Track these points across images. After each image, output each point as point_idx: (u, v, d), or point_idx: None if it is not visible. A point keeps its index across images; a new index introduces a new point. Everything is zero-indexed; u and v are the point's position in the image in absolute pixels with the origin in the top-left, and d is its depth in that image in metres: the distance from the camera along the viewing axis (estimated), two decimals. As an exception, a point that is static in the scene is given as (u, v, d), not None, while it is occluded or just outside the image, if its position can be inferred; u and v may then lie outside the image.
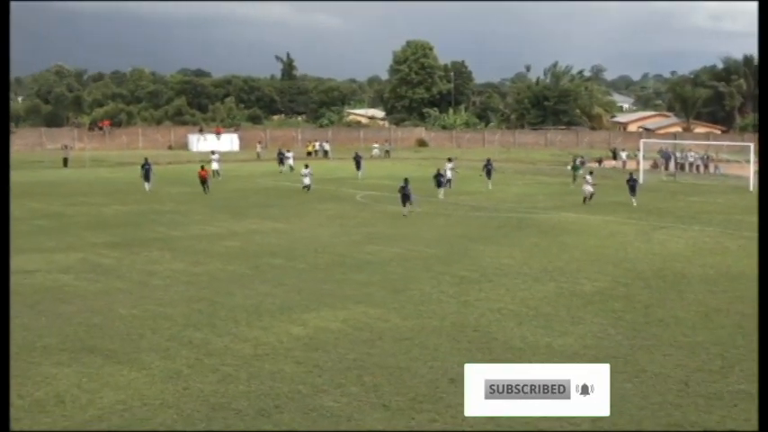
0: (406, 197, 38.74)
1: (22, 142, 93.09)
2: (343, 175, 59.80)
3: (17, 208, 42.31)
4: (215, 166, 59.18)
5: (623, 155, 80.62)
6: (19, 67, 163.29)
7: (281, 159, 70.80)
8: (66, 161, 74.61)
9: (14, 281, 24.40)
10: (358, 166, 62.92)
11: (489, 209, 43.82)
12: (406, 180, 39.04)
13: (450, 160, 56.70)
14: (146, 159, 54.33)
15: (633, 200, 44.83)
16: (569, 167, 61.68)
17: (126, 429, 13.65)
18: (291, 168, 67.58)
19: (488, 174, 56.00)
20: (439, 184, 48.69)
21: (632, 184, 45.84)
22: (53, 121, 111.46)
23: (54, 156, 78.59)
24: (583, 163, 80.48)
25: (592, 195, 45.04)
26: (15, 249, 29.90)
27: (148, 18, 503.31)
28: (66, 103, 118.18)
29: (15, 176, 60.57)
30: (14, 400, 14.88)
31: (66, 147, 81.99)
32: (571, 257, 29.08)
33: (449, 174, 53.57)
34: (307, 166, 52.80)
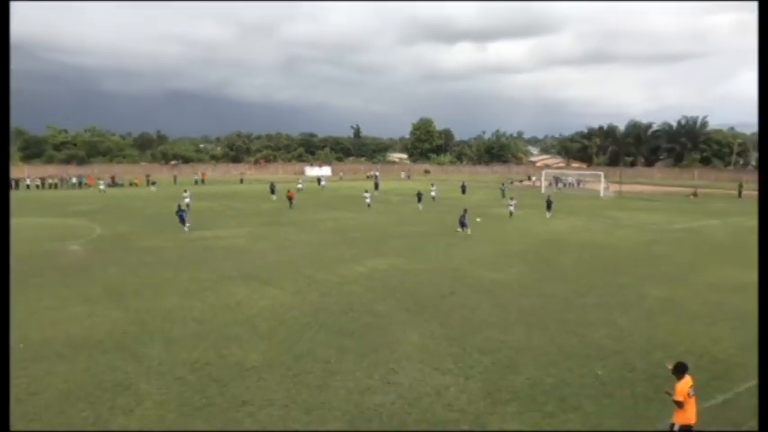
0: (462, 223, 28.11)
1: (219, 171, 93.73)
2: (386, 188, 58.94)
3: (217, 206, 42.68)
4: (299, 185, 55.60)
5: (533, 179, 79.44)
6: (215, 130, 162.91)
7: (272, 190, 47.57)
8: (241, 180, 75.04)
9: (212, 244, 24.64)
10: (376, 186, 55.89)
11: (458, 206, 42.72)
12: (465, 210, 28.82)
13: (432, 184, 51.27)
14: (272, 183, 49.29)
15: (548, 214, 35.20)
16: (501, 188, 53.01)
17: (272, 321, 13.69)
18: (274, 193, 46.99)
19: (463, 190, 50.25)
20: (419, 200, 40.86)
21: (549, 201, 36.33)
22: (236, 159, 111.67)
23: (235, 178, 79.15)
24: (521, 181, 79.36)
25: (512, 213, 35.40)
26: (215, 227, 30.24)
27: (287, 105, 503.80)
28: (241, 151, 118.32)
29: (216, 189, 61.05)
30: (214, 301, 14.98)
31: (242, 173, 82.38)
32: (505, 232, 28.67)
33: (433, 193, 46.95)
34: (367, 191, 43.06)
